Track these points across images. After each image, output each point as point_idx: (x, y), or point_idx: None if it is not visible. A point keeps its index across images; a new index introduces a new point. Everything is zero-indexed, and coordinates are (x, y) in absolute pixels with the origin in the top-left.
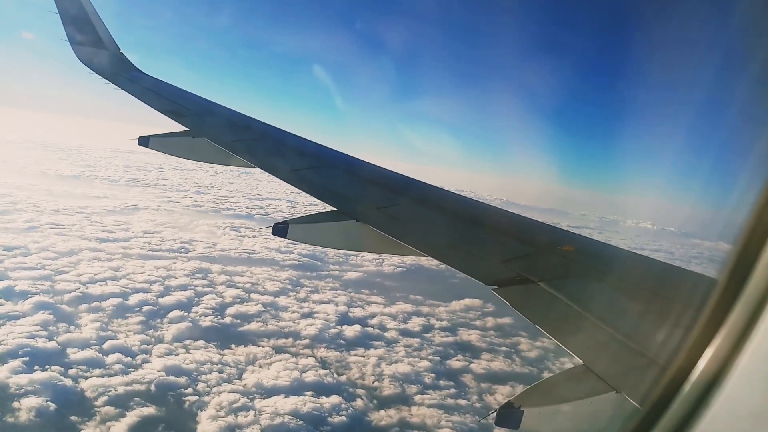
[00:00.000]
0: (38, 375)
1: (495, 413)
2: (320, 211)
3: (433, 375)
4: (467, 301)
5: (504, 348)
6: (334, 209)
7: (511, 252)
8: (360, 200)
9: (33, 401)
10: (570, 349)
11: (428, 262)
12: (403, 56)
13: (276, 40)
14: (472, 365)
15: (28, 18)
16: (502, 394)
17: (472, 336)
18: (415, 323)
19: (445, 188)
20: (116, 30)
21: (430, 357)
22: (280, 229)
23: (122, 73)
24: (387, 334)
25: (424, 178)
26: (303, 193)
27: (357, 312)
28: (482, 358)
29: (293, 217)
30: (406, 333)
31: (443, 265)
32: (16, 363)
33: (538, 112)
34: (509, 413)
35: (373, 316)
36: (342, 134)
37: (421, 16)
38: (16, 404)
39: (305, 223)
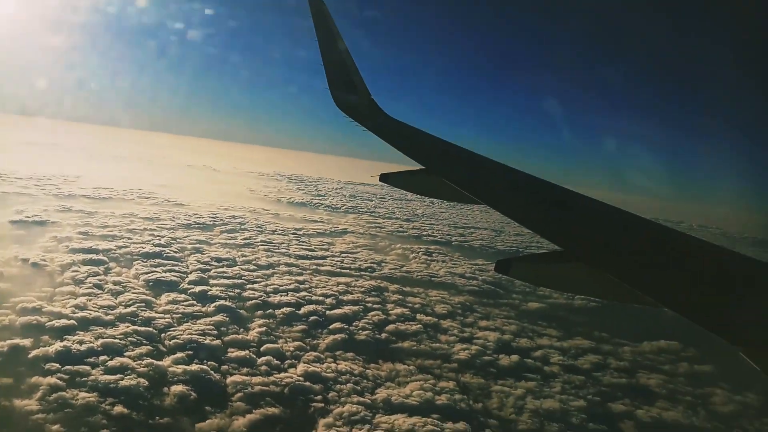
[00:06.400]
0: (193, 367)
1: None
2: (533, 244)
3: (584, 416)
4: (663, 343)
5: (688, 398)
6: (560, 249)
7: None
8: (588, 240)
9: (179, 388)
10: None
11: None
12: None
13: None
14: (638, 411)
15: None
16: None
17: (652, 380)
18: (587, 360)
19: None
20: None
21: (589, 397)
22: (503, 267)
23: (371, 117)
24: (547, 368)
25: (647, 212)
26: (513, 223)
27: (522, 342)
28: (656, 405)
29: (500, 248)
30: (571, 369)
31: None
32: (180, 355)
33: None
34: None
35: (539, 348)
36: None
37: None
38: (165, 389)
39: (530, 263)
